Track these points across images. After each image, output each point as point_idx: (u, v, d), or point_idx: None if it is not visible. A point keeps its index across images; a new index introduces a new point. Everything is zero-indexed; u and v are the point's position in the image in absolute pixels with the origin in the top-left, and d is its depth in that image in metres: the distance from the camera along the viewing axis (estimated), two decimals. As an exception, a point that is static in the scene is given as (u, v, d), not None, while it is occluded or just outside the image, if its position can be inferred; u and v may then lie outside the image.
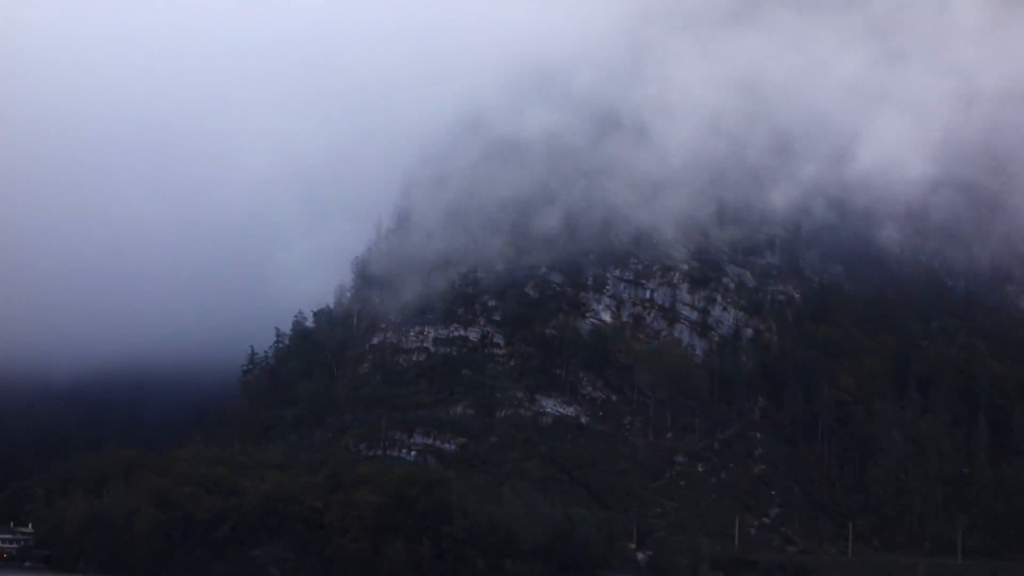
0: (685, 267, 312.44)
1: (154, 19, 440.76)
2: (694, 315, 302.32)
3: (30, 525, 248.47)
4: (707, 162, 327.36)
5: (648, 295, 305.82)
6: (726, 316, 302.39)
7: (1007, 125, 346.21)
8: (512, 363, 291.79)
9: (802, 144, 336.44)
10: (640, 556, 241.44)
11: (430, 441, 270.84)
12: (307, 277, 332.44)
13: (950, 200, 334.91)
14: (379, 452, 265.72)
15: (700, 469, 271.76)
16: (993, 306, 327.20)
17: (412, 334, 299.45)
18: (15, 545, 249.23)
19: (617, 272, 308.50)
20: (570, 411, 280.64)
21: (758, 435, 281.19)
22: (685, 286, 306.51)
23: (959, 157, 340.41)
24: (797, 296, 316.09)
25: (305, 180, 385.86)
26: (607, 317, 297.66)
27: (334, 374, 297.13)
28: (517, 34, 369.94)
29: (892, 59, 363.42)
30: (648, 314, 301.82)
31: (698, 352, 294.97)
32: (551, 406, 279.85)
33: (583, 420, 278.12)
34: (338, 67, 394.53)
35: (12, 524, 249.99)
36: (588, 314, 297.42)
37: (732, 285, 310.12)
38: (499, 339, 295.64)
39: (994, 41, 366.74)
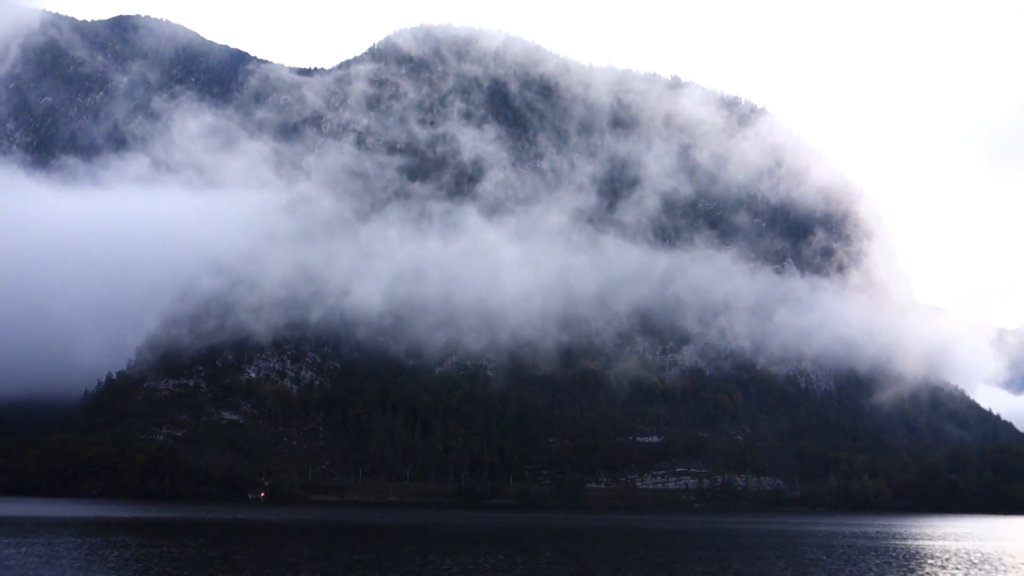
0: (290, 352, 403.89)
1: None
2: (293, 374, 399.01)
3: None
4: (285, 301, 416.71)
5: (272, 365, 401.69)
6: (307, 375, 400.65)
7: (415, 289, 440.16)
8: (209, 396, 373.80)
9: (323, 293, 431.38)
10: (267, 483, 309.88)
11: (171, 431, 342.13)
12: (116, 354, 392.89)
13: (392, 320, 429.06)
14: (148, 436, 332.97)
15: (295, 444, 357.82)
16: (424, 368, 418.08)
17: (163, 383, 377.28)
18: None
19: (259, 355, 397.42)
20: (237, 417, 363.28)
21: (321, 428, 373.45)
22: (288, 361, 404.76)
23: (396, 300, 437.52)
24: (338, 367, 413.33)
25: (111, 303, 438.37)
26: (254, 375, 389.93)
27: (127, 401, 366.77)
28: (200, 239, 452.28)
29: (365, 255, 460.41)
30: (273, 374, 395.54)
31: (295, 391, 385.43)
32: (227, 415, 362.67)
33: (242, 422, 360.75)
34: (116, 250, 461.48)
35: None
36: (244, 374, 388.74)
37: (310, 360, 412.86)
38: (203, 385, 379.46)
39: (414, 253, 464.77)
